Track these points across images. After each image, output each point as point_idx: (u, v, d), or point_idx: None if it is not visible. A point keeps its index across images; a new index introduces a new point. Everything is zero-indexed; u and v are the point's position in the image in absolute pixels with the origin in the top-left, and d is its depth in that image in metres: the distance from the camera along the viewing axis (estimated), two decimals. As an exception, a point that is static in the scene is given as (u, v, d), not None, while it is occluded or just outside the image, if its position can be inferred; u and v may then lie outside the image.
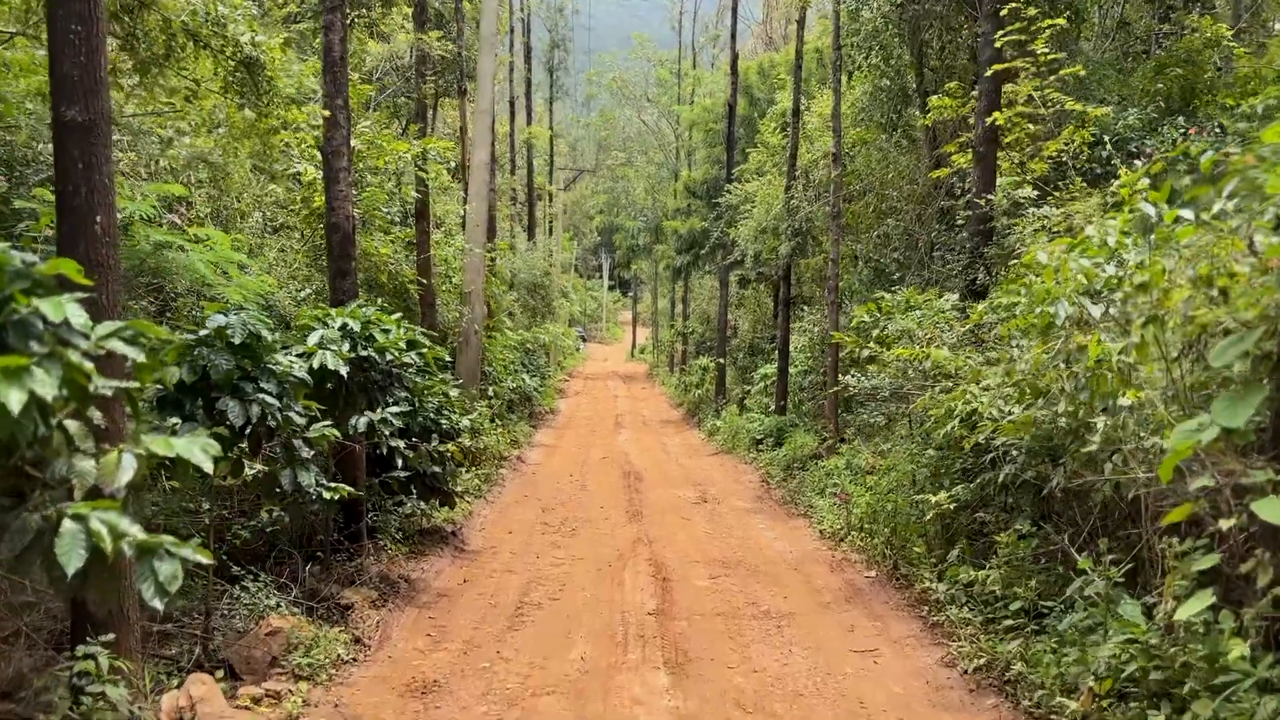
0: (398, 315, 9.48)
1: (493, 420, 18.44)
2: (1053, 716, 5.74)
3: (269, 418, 6.19)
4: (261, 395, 6.18)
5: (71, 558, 3.26)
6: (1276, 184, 4.29)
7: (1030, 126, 11.38)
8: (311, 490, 6.47)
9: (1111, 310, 5.69)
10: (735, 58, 26.98)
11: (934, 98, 12.07)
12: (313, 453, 6.58)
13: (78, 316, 3.43)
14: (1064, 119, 10.87)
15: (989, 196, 9.71)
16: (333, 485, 6.64)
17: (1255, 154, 4.40)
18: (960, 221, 10.79)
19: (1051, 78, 9.94)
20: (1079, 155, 11.32)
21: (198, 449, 3.99)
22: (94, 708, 4.91)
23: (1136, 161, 12.26)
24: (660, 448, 21.55)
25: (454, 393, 10.06)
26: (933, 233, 13.57)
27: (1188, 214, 5.16)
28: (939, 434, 8.02)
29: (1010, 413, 6.87)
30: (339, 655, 7.19)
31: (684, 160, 39.33)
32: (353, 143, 11.50)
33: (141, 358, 3.89)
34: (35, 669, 5.23)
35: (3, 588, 5.74)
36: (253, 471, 7.02)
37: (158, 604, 3.64)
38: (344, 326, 8.40)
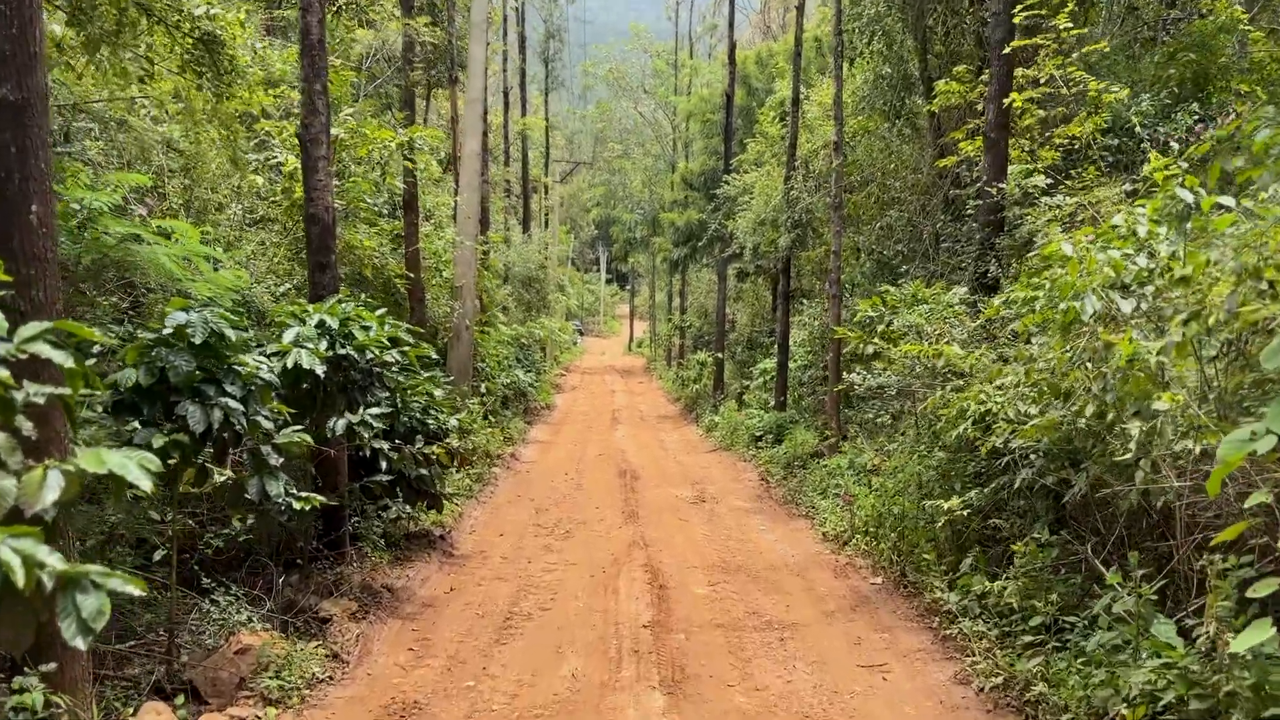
0: (382, 311, 9.03)
1: (486, 417, 18.00)
2: (1079, 744, 5.33)
3: (233, 422, 5.75)
4: (225, 399, 5.74)
5: (-29, 592, 2.81)
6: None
7: (1040, 112, 10.93)
8: (280, 500, 6.03)
9: (1143, 306, 5.26)
10: (733, 46, 26.50)
11: (941, 82, 11.61)
12: (281, 460, 6.14)
13: (-8, 319, 2.98)
14: (1077, 104, 10.41)
15: (1000, 185, 9.25)
16: (303, 495, 6.20)
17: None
18: (969, 211, 10.33)
19: (1074, 55, 9.47)
20: (1092, 143, 10.86)
21: (134, 465, 3.54)
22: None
23: (1147, 148, 11.86)
24: (657, 444, 21.12)
25: (439, 392, 9.60)
26: (938, 224, 13.11)
27: (1228, 201, 4.72)
28: (950, 435, 7.58)
29: (1028, 414, 6.43)
30: (314, 674, 6.75)
31: (681, 152, 38.84)
32: (335, 131, 11.05)
33: (69, 362, 3.45)
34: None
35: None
36: (224, 478, 6.60)
37: (80, 644, 3.19)
38: (321, 323, 7.95)
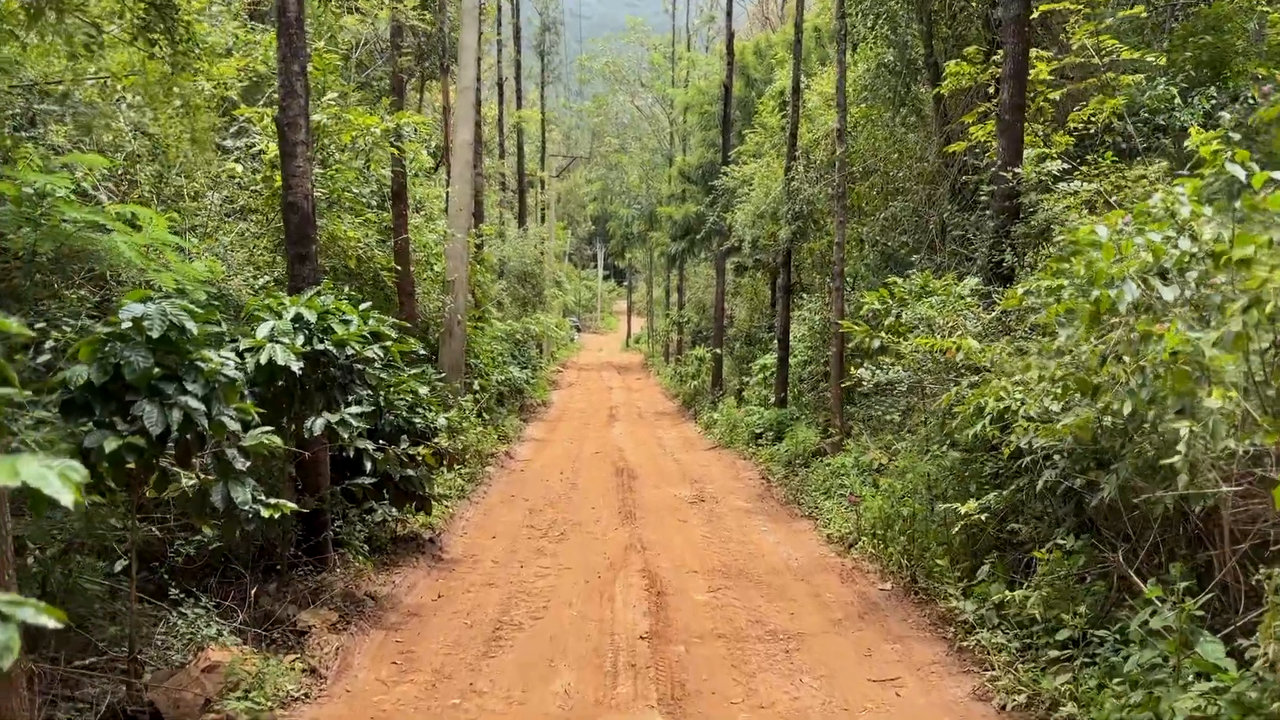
0: (367, 305, 8.58)
1: (479, 415, 17.54)
2: (1116, 772, 4.89)
3: (196, 423, 5.29)
4: (185, 398, 5.28)
5: None
6: None
7: (1053, 95, 10.48)
8: (247, 508, 5.57)
9: (1186, 293, 4.81)
10: (730, 36, 26.02)
11: (951, 63, 11.13)
12: (248, 464, 5.68)
13: None
14: (1093, 87, 9.96)
15: (1016, 170, 8.80)
16: (273, 501, 5.74)
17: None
18: (982, 198, 9.88)
19: (1108, 21, 9.00)
20: (1109, 126, 10.41)
21: (53, 477, 3.07)
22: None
23: (1161, 136, 11.41)
24: (655, 441, 20.66)
25: (424, 390, 9.15)
26: (945, 213, 12.66)
27: (1281, 177, 4.27)
28: (967, 434, 7.13)
29: (1051, 411, 5.98)
30: (288, 692, 6.30)
31: (679, 145, 38.36)
32: (317, 117, 10.58)
33: (-17, 359, 3.00)
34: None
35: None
36: (190, 483, 6.14)
37: (-17, 685, 2.77)
38: (298, 317, 7.49)
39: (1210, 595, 5.07)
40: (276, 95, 9.05)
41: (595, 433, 21.79)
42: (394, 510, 9.60)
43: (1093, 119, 10.44)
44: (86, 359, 5.36)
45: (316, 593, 8.00)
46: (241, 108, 10.77)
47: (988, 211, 9.40)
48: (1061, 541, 6.41)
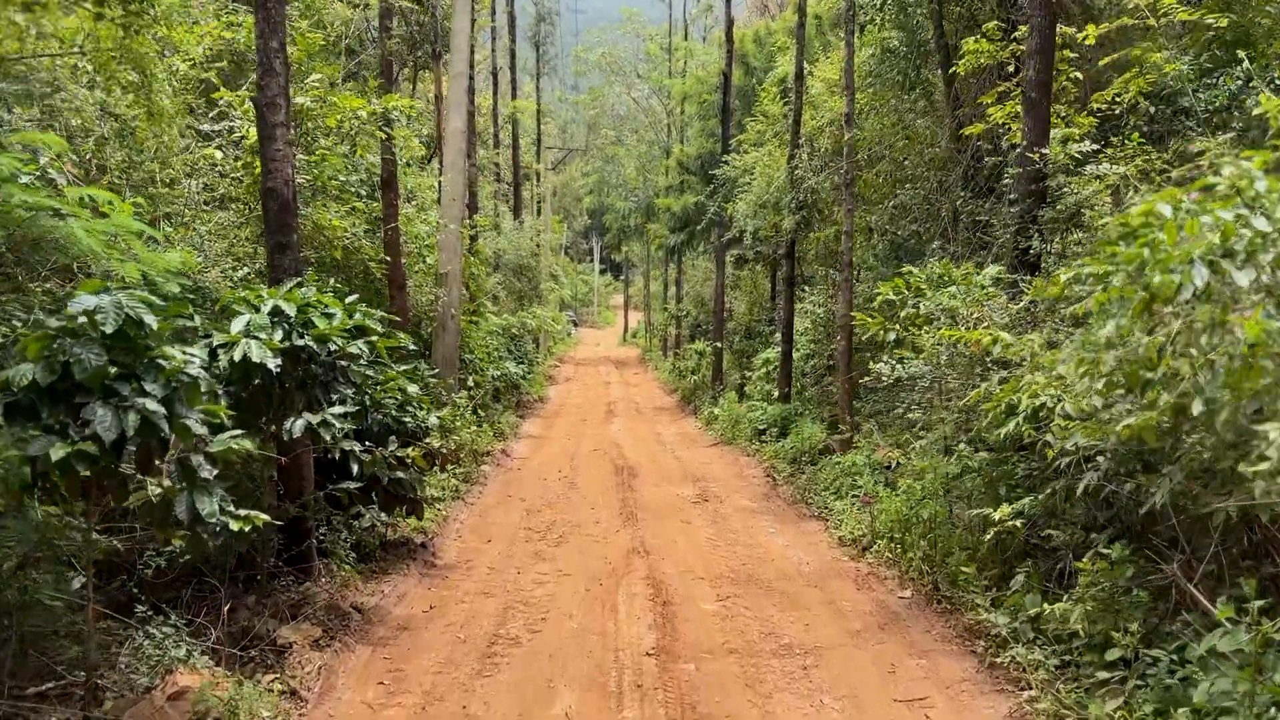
0: (353, 298, 8.04)
1: (475, 412, 17.00)
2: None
3: (156, 427, 4.76)
4: (142, 400, 4.74)
5: None
6: None
7: (1076, 74, 9.95)
8: (214, 520, 5.04)
9: (1263, 279, 4.29)
10: (730, 23, 25.43)
11: (969, 40, 10.57)
12: (216, 471, 5.16)
13: None
14: (1119, 63, 9.43)
15: (1043, 151, 8.27)
16: (243, 513, 5.21)
17: None
18: (1006, 180, 9.34)
19: None
20: (1133, 107, 9.89)
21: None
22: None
23: (1185, 119, 10.89)
24: (655, 438, 20.15)
25: (414, 388, 8.60)
26: (958, 200, 12.13)
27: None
28: (998, 434, 6.60)
29: (1096, 409, 5.46)
30: (264, 719, 5.78)
31: (676, 136, 37.74)
32: (301, 100, 10.03)
33: None
34: None
35: None
36: (157, 491, 5.61)
37: None
38: (276, 310, 6.95)
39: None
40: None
41: (593, 429, 21.28)
42: (383, 515, 9.07)
43: (1117, 99, 9.91)
44: (34, 356, 4.83)
45: (299, 605, 7.48)
46: (221, 90, 10.22)
47: (1011, 196, 8.87)
48: (1106, 550, 5.89)
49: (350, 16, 16.38)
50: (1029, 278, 8.13)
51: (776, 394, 18.34)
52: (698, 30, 46.78)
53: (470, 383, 17.06)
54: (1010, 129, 10.30)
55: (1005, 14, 12.12)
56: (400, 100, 11.16)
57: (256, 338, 6.64)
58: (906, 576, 8.69)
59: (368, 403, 7.79)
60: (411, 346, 9.76)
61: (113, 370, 4.83)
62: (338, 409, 7.16)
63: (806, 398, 17.82)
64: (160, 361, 4.95)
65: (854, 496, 11.20)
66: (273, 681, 6.41)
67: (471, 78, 18.44)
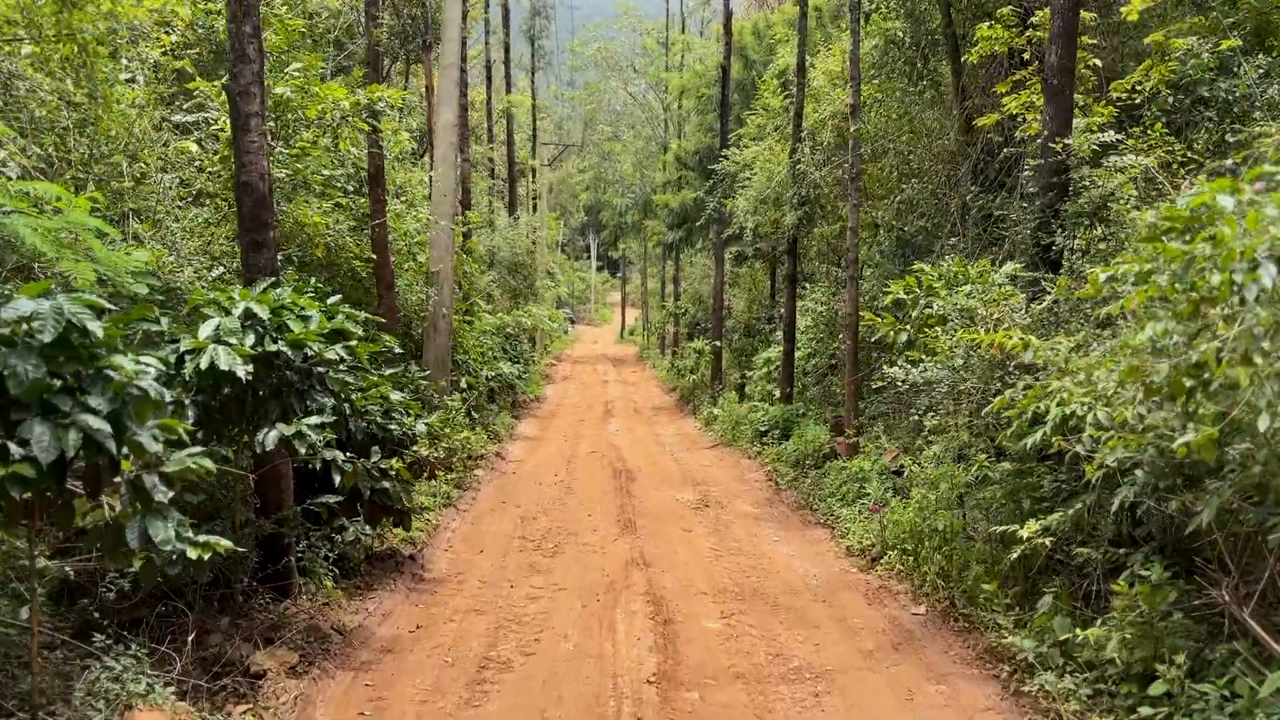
0: (336, 298, 7.57)
1: (469, 415, 16.53)
2: None
3: (100, 446, 4.28)
4: (86, 415, 4.27)
5: None
6: None
7: (1095, 62, 9.48)
8: (169, 547, 4.57)
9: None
10: (729, 15, 24.95)
11: (983, 26, 10.09)
12: (172, 493, 4.69)
13: None
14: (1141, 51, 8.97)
15: (1066, 140, 7.79)
16: (202, 539, 4.74)
17: None
18: (1028, 170, 8.86)
19: None
20: (1154, 96, 9.43)
21: None
22: None
23: (1203, 109, 10.44)
24: (653, 439, 19.69)
25: (397, 395, 8.13)
26: (967, 195, 11.66)
27: None
28: (1024, 444, 6.13)
29: (1141, 418, 5.00)
30: (231, 759, 5.32)
31: (674, 132, 37.28)
32: (281, 90, 9.55)
33: None
34: None
35: None
36: (112, 513, 5.14)
37: None
38: (249, 313, 6.48)
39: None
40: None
41: (591, 430, 20.82)
42: (367, 528, 8.59)
43: (1138, 88, 9.46)
44: (-32, 368, 4.35)
45: (275, 628, 7.01)
46: (198, 80, 9.73)
47: (1032, 189, 8.40)
48: (1145, 572, 5.43)
49: (339, 7, 15.87)
50: (1051, 276, 7.67)
51: (778, 394, 17.89)
52: (695, 24, 46.27)
53: (463, 384, 16.58)
54: (1025, 120, 9.84)
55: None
56: (387, 90, 10.66)
57: (226, 343, 6.16)
58: (920, 591, 8.23)
59: (348, 411, 7.31)
60: (398, 349, 9.29)
61: (56, 383, 4.36)
62: (314, 419, 6.68)
63: (808, 398, 17.37)
64: (109, 373, 4.47)
65: (862, 504, 10.75)
66: (244, 714, 5.96)
67: (464, 70, 17.92)
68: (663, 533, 11.20)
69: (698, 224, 26.95)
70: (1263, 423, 3.88)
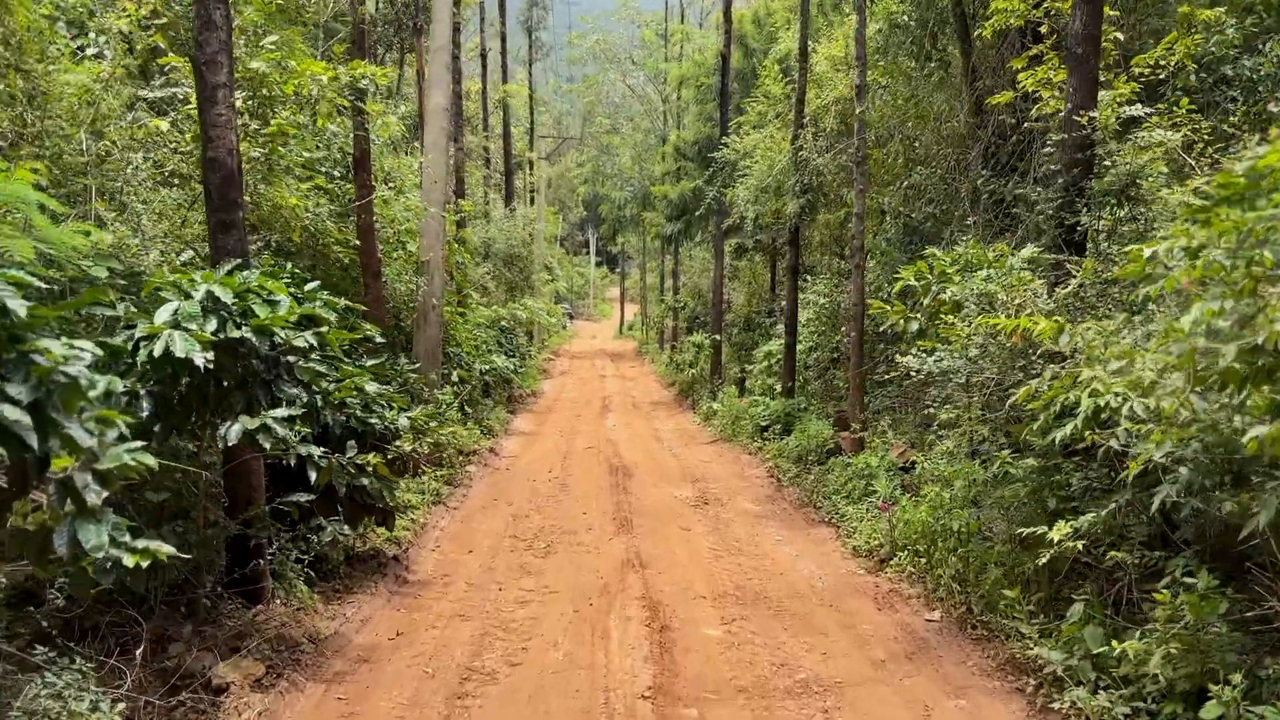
0: (314, 284, 7.06)
1: (461, 409, 16.03)
2: None
3: (19, 439, 3.78)
4: (4, 406, 3.77)
5: None
6: None
7: (1117, 35, 8.98)
8: (102, 555, 4.08)
9: None
10: (729, 1, 24.38)
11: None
12: (106, 494, 4.19)
13: None
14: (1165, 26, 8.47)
15: (1091, 114, 7.29)
16: (140, 546, 4.25)
17: None
18: (1049, 148, 8.35)
19: None
20: (1178, 70, 8.93)
21: None
22: None
23: (1226, 88, 9.94)
24: (652, 434, 19.19)
25: (373, 387, 7.62)
26: (978, 179, 11.16)
27: None
28: (1050, 438, 5.63)
29: (1194, 409, 4.51)
30: (183, 785, 4.83)
31: (673, 123, 36.75)
32: (256, 64, 9.03)
33: None
34: None
35: None
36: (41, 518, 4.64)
37: None
38: (211, 297, 5.97)
39: None
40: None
41: (588, 425, 20.33)
42: (345, 528, 8.10)
43: (1162, 63, 8.95)
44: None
45: (242, 636, 6.51)
46: (170, 55, 9.22)
47: (1054, 166, 7.89)
48: (1190, 580, 4.94)
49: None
50: (1076, 258, 7.17)
51: (779, 388, 17.40)
52: (694, 15, 45.70)
53: (455, 378, 16.07)
54: (1041, 98, 9.32)
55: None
56: (371, 68, 10.14)
57: (185, 329, 5.66)
58: (934, 596, 7.74)
59: (319, 403, 6.81)
60: (380, 339, 8.78)
61: (-29, 370, 3.86)
62: (281, 411, 6.18)
63: (810, 392, 16.89)
64: (35, 357, 3.97)
65: (869, 501, 10.26)
66: (202, 733, 5.47)
67: (457, 56, 17.43)
68: (660, 531, 10.72)
69: (697, 215, 26.47)
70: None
